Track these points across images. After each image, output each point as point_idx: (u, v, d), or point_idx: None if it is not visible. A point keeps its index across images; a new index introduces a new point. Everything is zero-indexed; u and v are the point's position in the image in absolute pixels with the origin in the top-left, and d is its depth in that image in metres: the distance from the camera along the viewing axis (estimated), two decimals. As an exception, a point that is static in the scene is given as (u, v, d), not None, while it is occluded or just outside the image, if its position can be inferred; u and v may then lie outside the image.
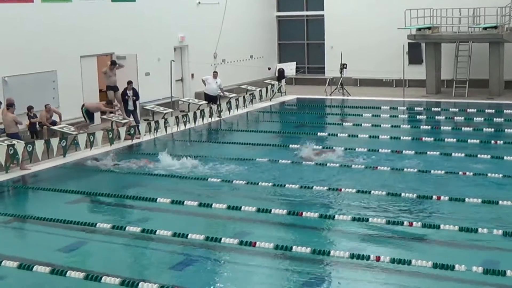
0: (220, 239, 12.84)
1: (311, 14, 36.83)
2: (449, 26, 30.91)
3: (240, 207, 14.70)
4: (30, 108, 20.98)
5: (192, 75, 30.28)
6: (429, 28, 30.44)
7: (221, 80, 27.40)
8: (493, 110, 26.01)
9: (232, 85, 30.96)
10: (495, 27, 29.03)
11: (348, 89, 31.28)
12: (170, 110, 25.30)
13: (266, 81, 31.82)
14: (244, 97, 28.00)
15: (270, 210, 14.52)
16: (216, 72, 27.73)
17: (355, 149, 19.97)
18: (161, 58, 27.73)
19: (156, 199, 15.58)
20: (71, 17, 24.04)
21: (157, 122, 22.99)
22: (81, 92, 24.37)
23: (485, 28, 29.31)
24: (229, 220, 14.53)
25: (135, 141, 22.11)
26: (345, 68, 31.66)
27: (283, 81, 31.89)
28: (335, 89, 31.38)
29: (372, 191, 15.75)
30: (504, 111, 25.64)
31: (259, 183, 16.74)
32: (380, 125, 23.52)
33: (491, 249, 12.48)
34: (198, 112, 24.74)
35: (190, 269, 11.94)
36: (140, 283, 10.92)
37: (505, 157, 18.60)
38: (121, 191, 16.67)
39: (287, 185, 16.54)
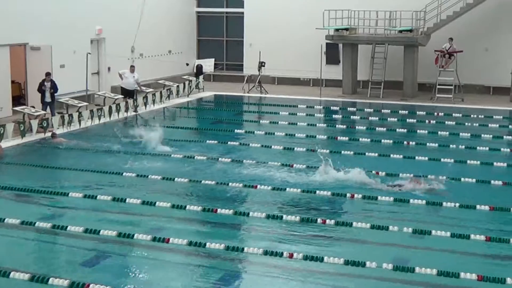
0: (133, 235, 12.70)
1: (231, 11, 36.84)
2: (366, 28, 31.41)
3: (155, 203, 14.60)
4: None
5: (109, 68, 29.86)
6: (346, 29, 30.86)
7: (138, 74, 27.12)
8: (407, 111, 26.56)
9: (149, 80, 30.65)
10: (410, 31, 29.67)
11: (265, 87, 31.41)
12: (85, 103, 24.92)
13: (184, 77, 31.74)
14: (161, 92, 27.80)
15: (185, 206, 14.48)
16: (134, 66, 27.43)
17: (271, 147, 20.10)
18: (77, 50, 27.23)
19: (68, 193, 15.32)
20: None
21: (71, 115, 22.58)
22: (-7, 82, 23.77)
23: (400, 31, 29.90)
24: (143, 216, 14.38)
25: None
26: (263, 66, 31.81)
27: (201, 77, 31.84)
28: (253, 86, 31.47)
29: (287, 189, 15.86)
30: (417, 112, 26.22)
31: (175, 179, 16.65)
32: (296, 124, 23.72)
33: (401, 246, 12.73)
34: (113, 106, 24.44)
35: (102, 265, 11.78)
36: (50, 279, 10.71)
37: (416, 157, 19.01)
38: (32, 184, 16.27)
39: (202, 181, 16.50)
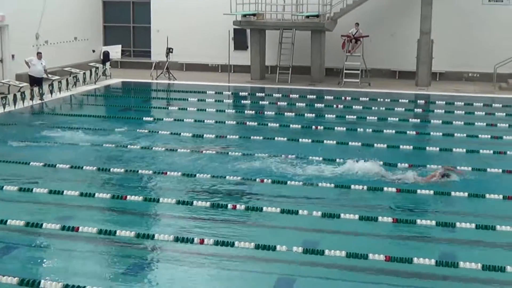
0: (42, 224, 12.46)
1: (138, -4, 36.47)
2: (274, 13, 31.59)
3: (63, 192, 14.35)
4: None
5: (13, 56, 29.09)
6: (254, 14, 30.95)
7: (46, 61, 26.53)
8: (315, 96, 26.87)
9: (55, 67, 30.00)
10: (317, 16, 29.99)
11: (174, 73, 31.24)
12: (-11, 92, 24.29)
13: (91, 64, 31.23)
14: (67, 79, 27.28)
15: (94, 194, 14.28)
16: (41, 53, 26.81)
17: (180, 134, 20.02)
18: (-22, 37, 26.50)
19: (-27, 184, 14.92)
20: None
21: (-26, 104, 21.97)
22: None
23: (307, 17, 30.21)
24: (51, 205, 14.12)
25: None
26: (171, 52, 31.60)
27: (108, 64, 31.37)
28: (161, 73, 31.25)
29: (198, 175, 15.85)
30: (325, 97, 26.58)
31: (83, 167, 16.40)
32: (205, 110, 23.69)
33: (311, 230, 12.91)
34: (18, 95, 23.85)
35: (10, 256, 11.55)
36: (-46, 273, 10.43)
37: (325, 141, 19.27)
38: None
39: (112, 169, 16.33)
